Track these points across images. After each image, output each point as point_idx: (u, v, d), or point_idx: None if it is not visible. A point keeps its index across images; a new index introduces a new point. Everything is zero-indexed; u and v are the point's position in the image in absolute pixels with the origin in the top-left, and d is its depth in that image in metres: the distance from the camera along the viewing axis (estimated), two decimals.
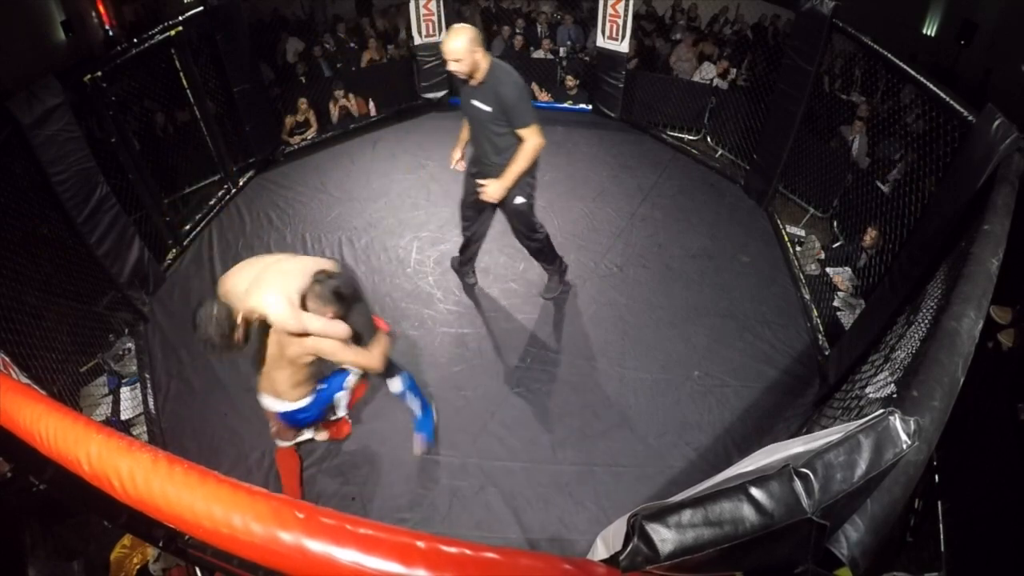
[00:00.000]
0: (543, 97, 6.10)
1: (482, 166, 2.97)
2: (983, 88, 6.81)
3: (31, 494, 2.16)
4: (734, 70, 5.98)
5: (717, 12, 7.61)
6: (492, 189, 2.82)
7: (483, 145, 2.88)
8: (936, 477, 2.58)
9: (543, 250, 3.37)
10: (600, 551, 1.08)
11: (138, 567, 2.39)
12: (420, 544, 0.85)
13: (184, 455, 1.09)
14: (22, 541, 2.13)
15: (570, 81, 5.99)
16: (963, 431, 2.55)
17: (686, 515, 0.81)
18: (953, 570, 2.30)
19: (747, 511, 0.82)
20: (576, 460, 2.85)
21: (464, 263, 3.69)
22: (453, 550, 0.85)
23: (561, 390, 3.17)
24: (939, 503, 2.50)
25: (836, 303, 3.67)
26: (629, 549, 0.80)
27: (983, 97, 6.28)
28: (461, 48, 2.53)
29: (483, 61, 2.62)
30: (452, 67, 2.61)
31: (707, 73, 6.03)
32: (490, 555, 0.85)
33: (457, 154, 3.13)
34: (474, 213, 3.27)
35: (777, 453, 1.07)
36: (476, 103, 2.74)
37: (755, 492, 0.84)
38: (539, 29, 6.70)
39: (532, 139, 2.72)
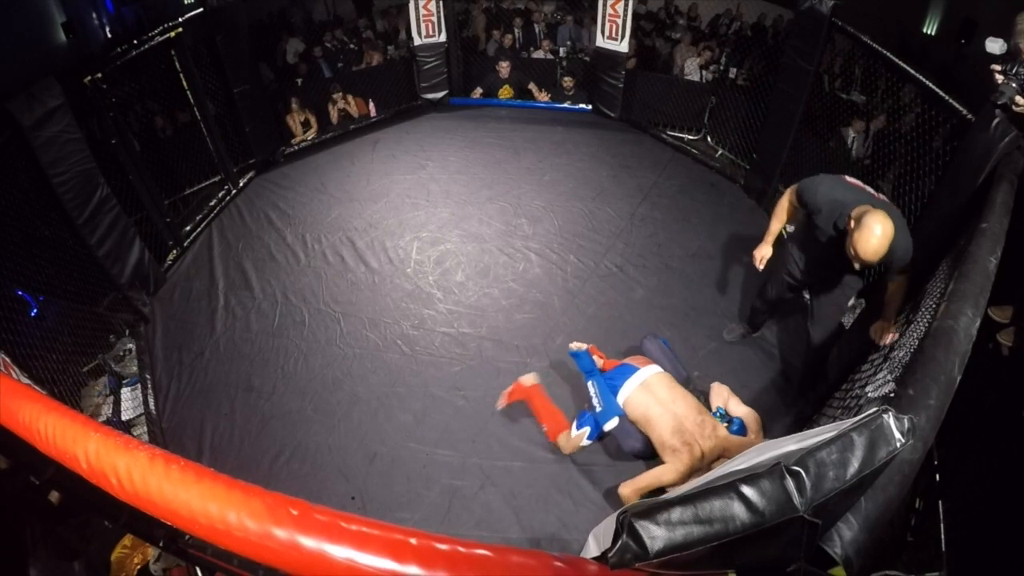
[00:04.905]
0: (543, 97, 6.11)
1: (823, 272, 2.68)
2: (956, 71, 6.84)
3: (33, 492, 2.17)
4: (715, 65, 6.00)
5: (721, 13, 7.59)
6: (888, 335, 2.42)
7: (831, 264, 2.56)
8: (937, 476, 2.57)
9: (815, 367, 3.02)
10: (592, 549, 1.08)
11: (139, 567, 2.40)
12: (413, 541, 0.86)
13: (184, 455, 1.10)
14: (23, 540, 2.14)
15: (567, 82, 6.00)
16: (963, 430, 2.54)
17: (676, 513, 0.81)
18: (953, 570, 2.29)
19: (738, 509, 0.82)
20: (576, 460, 2.85)
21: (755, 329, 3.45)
22: (445, 547, 0.85)
23: (561, 390, 3.16)
24: (940, 502, 2.49)
25: None
26: (618, 546, 0.80)
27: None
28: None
29: None
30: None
31: (691, 69, 6.06)
32: (482, 552, 0.86)
33: (768, 251, 2.82)
34: (775, 303, 3.07)
35: (769, 451, 1.07)
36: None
37: (746, 490, 0.84)
38: (536, 29, 6.70)
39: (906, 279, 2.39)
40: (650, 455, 2.61)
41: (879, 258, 2.17)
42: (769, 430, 2.93)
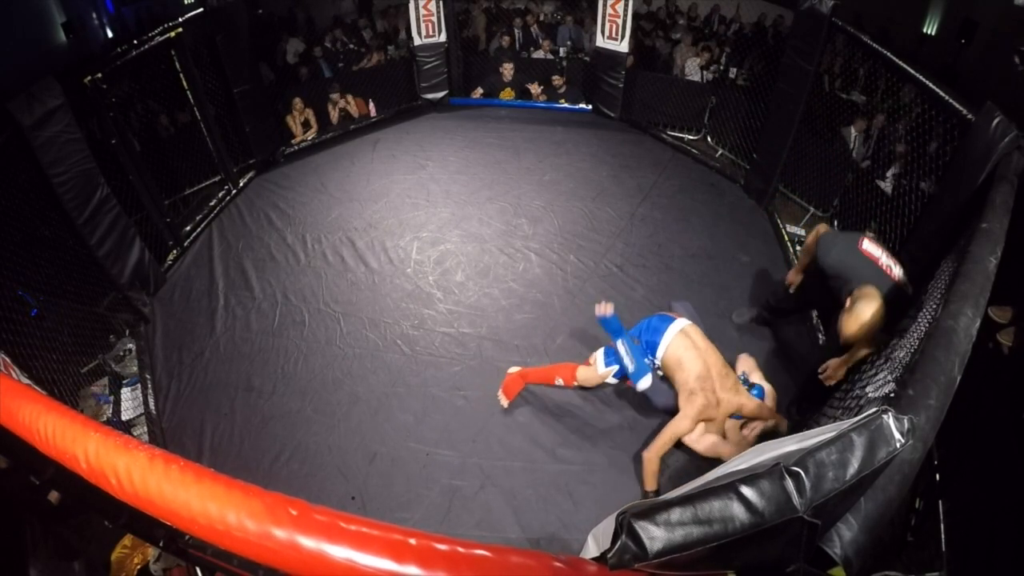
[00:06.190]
0: (541, 98, 6.11)
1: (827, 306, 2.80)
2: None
3: (33, 492, 2.17)
4: (715, 65, 6.01)
5: (710, 12, 7.59)
6: (833, 370, 2.51)
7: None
8: (937, 476, 2.57)
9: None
10: (591, 549, 1.08)
11: (139, 567, 2.40)
12: (412, 541, 0.86)
13: (184, 455, 1.10)
14: (23, 540, 2.14)
15: (557, 80, 6.01)
16: (963, 430, 2.54)
17: (675, 513, 0.81)
18: (953, 570, 2.29)
19: (737, 509, 0.82)
20: (576, 460, 2.85)
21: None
22: (444, 547, 0.85)
23: (561, 390, 3.16)
24: (940, 502, 2.49)
25: None
26: (617, 547, 0.80)
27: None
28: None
29: None
30: None
31: (692, 69, 6.06)
32: (481, 552, 0.86)
33: (799, 279, 2.99)
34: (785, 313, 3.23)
35: (769, 451, 1.07)
36: None
37: (745, 491, 0.83)
38: (533, 32, 6.70)
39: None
40: (677, 411, 2.68)
41: (854, 342, 2.31)
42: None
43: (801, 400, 2.97)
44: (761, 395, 2.68)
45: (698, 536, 0.79)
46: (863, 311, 2.22)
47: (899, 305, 2.31)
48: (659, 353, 2.69)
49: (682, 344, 2.65)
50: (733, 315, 3.59)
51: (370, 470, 2.82)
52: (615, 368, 2.79)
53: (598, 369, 2.84)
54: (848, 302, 2.30)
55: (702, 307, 3.67)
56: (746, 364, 2.86)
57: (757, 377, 2.80)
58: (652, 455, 2.58)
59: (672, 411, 2.70)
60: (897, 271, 2.42)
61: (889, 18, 7.51)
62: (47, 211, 3.14)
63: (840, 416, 2.15)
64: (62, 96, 3.03)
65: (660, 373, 2.77)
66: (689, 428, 2.56)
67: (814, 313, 3.46)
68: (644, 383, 2.70)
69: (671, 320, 2.76)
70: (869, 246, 2.47)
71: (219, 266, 4.12)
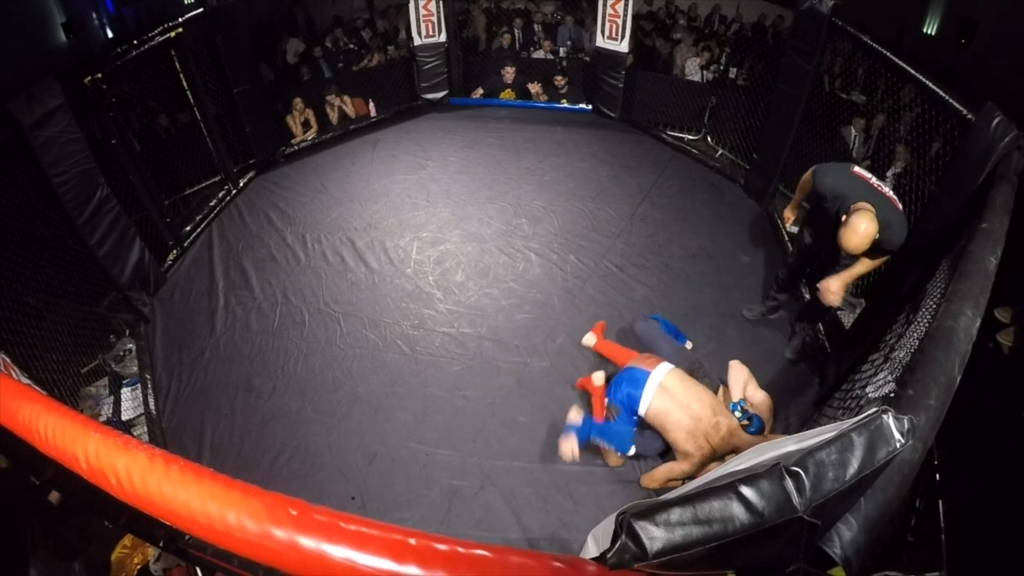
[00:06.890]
0: (542, 98, 6.11)
1: (829, 249, 2.89)
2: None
3: (33, 492, 2.17)
4: (715, 65, 6.01)
5: (710, 12, 7.59)
6: (835, 288, 2.68)
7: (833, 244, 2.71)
8: (937, 476, 2.58)
9: (808, 337, 3.33)
10: (591, 549, 1.08)
11: (139, 567, 2.40)
12: (412, 541, 0.86)
13: (184, 455, 1.10)
14: (23, 540, 2.14)
15: (559, 80, 6.01)
16: (963, 430, 2.54)
17: (675, 513, 0.81)
18: (953, 570, 2.29)
19: (737, 510, 0.82)
20: (576, 460, 2.84)
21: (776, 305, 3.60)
22: (444, 547, 0.85)
23: (561, 390, 3.17)
24: (940, 502, 2.49)
25: None
26: (617, 547, 0.80)
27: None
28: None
29: None
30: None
31: (692, 69, 6.06)
32: (481, 552, 0.86)
33: (791, 214, 3.24)
34: (796, 271, 3.38)
35: (769, 451, 1.07)
36: None
37: (745, 491, 0.83)
38: (536, 29, 6.70)
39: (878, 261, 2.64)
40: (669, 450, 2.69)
41: (859, 252, 2.49)
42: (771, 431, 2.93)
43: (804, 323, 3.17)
44: (759, 429, 2.59)
45: (698, 536, 0.79)
46: (857, 222, 2.40)
47: (895, 217, 2.50)
48: (641, 409, 2.61)
49: (663, 404, 2.55)
50: (744, 311, 3.62)
51: (370, 470, 2.82)
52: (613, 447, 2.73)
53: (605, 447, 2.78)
54: (844, 218, 2.47)
55: (702, 307, 3.69)
56: (738, 382, 2.76)
57: (752, 389, 2.72)
58: (646, 483, 2.66)
59: (664, 453, 2.72)
60: (887, 189, 2.60)
61: (889, 17, 7.51)
62: (47, 211, 3.14)
63: (840, 416, 2.15)
64: (62, 96, 3.03)
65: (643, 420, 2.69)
66: (688, 473, 2.56)
67: (805, 294, 3.58)
68: (630, 452, 2.70)
69: (643, 378, 2.63)
70: (859, 170, 2.68)
71: (219, 266, 4.12)
